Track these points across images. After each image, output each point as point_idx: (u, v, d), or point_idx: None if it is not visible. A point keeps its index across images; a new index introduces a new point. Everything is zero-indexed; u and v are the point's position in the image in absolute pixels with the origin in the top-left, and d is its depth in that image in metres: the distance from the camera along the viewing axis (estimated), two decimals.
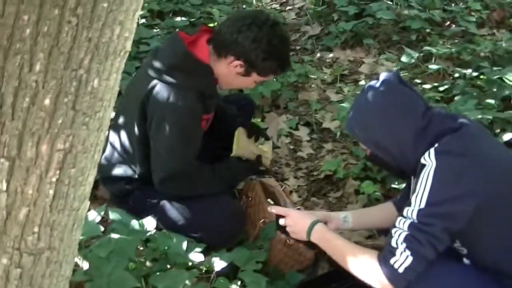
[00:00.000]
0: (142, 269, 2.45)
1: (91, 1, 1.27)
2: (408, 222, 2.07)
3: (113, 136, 3.01)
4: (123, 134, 2.94)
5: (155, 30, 5.01)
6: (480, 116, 3.50)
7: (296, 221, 2.46)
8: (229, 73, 2.84)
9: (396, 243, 2.07)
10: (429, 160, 2.09)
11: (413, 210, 2.07)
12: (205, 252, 2.71)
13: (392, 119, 2.19)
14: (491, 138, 2.34)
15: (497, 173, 2.14)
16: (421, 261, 2.05)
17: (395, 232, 2.10)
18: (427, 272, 2.10)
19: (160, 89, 2.76)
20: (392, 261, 2.06)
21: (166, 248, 2.57)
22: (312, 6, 5.77)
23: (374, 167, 3.54)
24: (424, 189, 2.06)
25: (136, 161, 2.95)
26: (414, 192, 2.11)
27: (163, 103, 2.74)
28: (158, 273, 2.41)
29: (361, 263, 2.18)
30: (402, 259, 2.05)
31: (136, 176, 2.98)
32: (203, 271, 2.64)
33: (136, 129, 2.86)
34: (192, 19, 5.17)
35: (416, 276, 2.07)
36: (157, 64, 2.80)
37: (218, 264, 2.59)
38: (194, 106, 2.79)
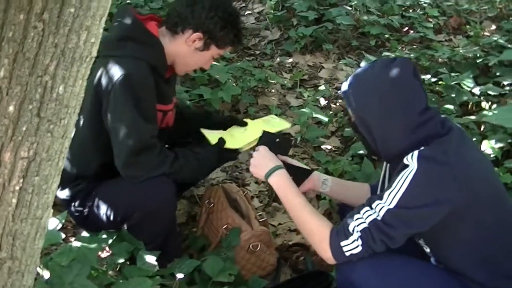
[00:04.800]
0: (104, 277, 2.41)
1: (57, 6, 1.25)
2: (372, 216, 2.11)
3: None
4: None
5: None
6: None
7: (263, 158, 2.51)
8: (187, 50, 2.76)
9: (353, 230, 2.14)
10: (412, 162, 2.09)
11: (382, 206, 2.10)
12: (166, 258, 2.69)
13: (391, 110, 2.16)
14: (472, 144, 2.36)
15: (476, 182, 2.14)
16: (368, 252, 2.14)
17: (356, 219, 2.15)
18: (388, 266, 2.18)
19: (111, 64, 2.64)
20: (342, 243, 2.14)
21: (123, 261, 2.56)
22: (272, 11, 5.77)
23: (335, 172, 3.56)
24: (400, 189, 2.08)
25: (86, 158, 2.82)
26: (389, 188, 2.12)
27: (115, 76, 2.61)
28: (120, 281, 2.38)
29: (314, 230, 2.25)
30: (352, 246, 2.13)
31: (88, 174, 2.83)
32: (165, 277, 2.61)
33: (86, 122, 2.73)
34: None
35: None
36: (108, 39, 2.69)
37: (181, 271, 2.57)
38: (145, 75, 2.65)
